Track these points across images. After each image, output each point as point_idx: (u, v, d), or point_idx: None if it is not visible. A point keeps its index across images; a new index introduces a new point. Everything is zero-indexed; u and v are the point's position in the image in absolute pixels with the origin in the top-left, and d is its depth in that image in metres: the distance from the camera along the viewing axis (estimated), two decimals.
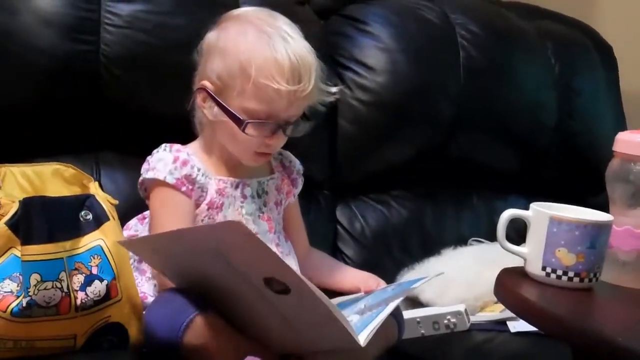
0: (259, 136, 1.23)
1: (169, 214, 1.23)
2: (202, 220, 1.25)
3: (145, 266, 1.27)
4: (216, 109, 1.24)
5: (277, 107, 1.21)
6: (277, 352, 1.13)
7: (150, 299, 1.23)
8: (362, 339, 1.05)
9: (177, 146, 1.27)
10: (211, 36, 1.27)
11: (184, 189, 1.23)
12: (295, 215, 1.41)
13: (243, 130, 1.22)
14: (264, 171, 1.34)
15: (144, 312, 1.14)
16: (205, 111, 1.26)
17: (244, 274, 1.04)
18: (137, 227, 1.32)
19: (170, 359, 1.09)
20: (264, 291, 1.03)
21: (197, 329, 1.08)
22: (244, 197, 1.29)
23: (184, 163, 1.25)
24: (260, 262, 1.02)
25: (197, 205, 1.25)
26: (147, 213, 1.31)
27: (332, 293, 1.32)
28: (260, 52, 1.20)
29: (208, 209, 1.26)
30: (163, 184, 1.23)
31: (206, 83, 1.25)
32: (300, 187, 1.39)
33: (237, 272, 1.04)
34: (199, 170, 1.26)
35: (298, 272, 1.30)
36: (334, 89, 1.29)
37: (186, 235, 1.08)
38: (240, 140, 1.24)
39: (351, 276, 1.41)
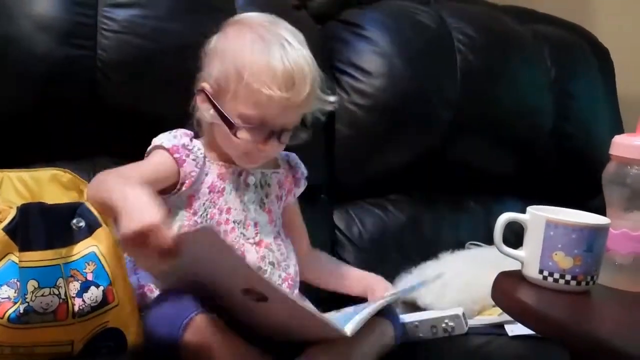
0: (252, 141, 1.23)
1: (144, 162, 1.25)
2: (204, 204, 1.26)
3: None
4: (212, 111, 1.25)
5: (270, 113, 1.21)
6: (276, 339, 1.15)
7: (153, 294, 1.23)
8: (349, 330, 1.08)
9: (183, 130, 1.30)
10: (213, 40, 1.28)
11: (176, 155, 1.24)
12: (296, 217, 1.42)
13: (234, 135, 1.22)
14: (269, 164, 1.34)
15: (142, 314, 1.14)
16: (204, 112, 1.27)
17: (224, 284, 1.08)
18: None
19: (170, 359, 1.10)
20: (245, 299, 1.06)
21: (197, 328, 1.08)
22: (247, 185, 1.30)
23: (186, 134, 1.27)
24: (235, 272, 1.05)
25: (190, 184, 1.25)
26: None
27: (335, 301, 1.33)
28: (255, 58, 1.20)
29: (209, 192, 1.26)
30: (160, 147, 1.25)
31: (205, 85, 1.26)
32: (302, 188, 1.40)
33: (219, 281, 1.08)
34: (199, 149, 1.27)
35: (295, 271, 1.33)
36: (332, 98, 1.29)
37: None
38: (234, 143, 1.24)
39: (358, 278, 1.42)
